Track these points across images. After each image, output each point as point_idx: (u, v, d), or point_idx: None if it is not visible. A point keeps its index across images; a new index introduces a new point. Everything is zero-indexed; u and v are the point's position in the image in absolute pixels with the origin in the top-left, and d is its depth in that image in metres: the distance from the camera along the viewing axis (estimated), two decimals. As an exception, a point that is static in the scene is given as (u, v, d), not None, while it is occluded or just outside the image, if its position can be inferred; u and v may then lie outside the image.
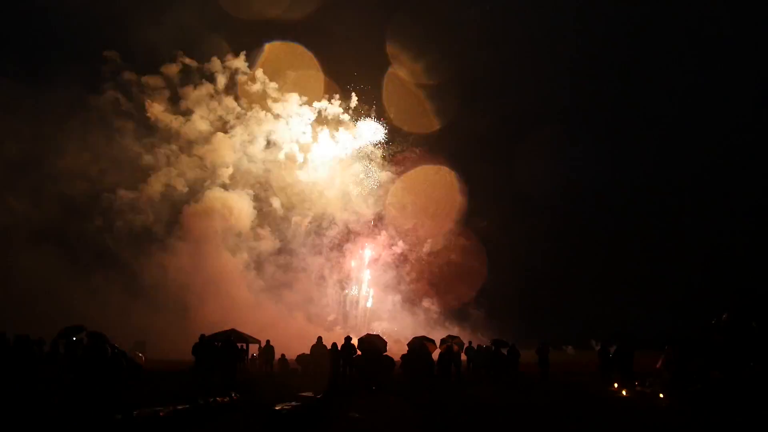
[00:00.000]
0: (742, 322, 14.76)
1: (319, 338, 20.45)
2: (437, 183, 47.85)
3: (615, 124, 56.78)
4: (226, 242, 44.98)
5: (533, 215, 49.43)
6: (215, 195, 44.72)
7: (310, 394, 10.99)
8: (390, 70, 46.80)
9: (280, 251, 46.11)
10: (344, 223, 47.27)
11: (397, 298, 46.90)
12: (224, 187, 45.06)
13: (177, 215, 44.08)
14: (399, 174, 47.65)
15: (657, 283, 48.85)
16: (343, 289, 48.06)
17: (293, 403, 9.93)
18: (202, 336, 17.40)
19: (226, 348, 16.92)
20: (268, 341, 25.18)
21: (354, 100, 46.70)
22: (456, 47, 48.35)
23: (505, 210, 46.90)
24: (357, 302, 47.83)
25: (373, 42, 46.00)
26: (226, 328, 24.69)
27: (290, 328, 36.88)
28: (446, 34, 48.50)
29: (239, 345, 22.40)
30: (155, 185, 43.30)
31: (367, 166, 47.97)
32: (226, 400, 11.48)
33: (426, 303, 46.18)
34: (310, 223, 46.92)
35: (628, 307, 45.23)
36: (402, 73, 47.08)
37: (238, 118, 45.67)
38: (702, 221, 49.99)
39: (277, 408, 9.53)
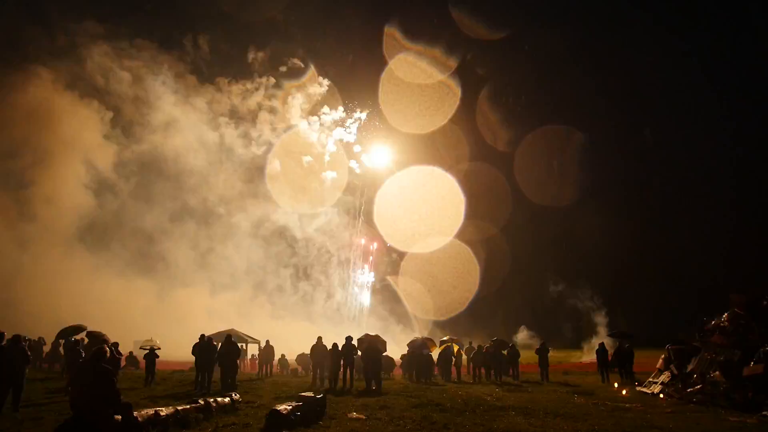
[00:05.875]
0: (742, 322, 14.78)
1: (319, 338, 20.41)
2: (434, 183, 47.47)
3: (614, 124, 56.88)
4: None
5: (531, 215, 49.48)
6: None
7: (310, 394, 10.97)
8: (387, 69, 46.69)
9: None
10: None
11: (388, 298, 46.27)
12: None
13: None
14: (392, 174, 46.82)
15: (657, 283, 48.87)
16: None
17: (293, 403, 9.92)
18: (202, 336, 17.38)
19: (226, 348, 16.89)
20: (267, 341, 25.17)
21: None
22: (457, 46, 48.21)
23: (503, 210, 46.97)
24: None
25: (370, 41, 45.94)
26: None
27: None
28: (445, 34, 48.48)
29: (239, 345, 22.39)
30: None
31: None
32: (226, 400, 11.46)
33: (422, 302, 45.68)
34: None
35: (628, 307, 45.23)
36: (400, 72, 46.90)
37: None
38: (702, 221, 50.05)
39: (277, 408, 9.53)
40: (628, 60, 57.48)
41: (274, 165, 44.75)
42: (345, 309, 46.10)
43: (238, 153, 44.42)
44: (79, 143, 38.22)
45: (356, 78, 49.89)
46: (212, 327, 24.29)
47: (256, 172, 44.70)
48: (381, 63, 45.61)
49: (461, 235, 45.85)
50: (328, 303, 45.55)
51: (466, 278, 45.15)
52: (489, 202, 47.44)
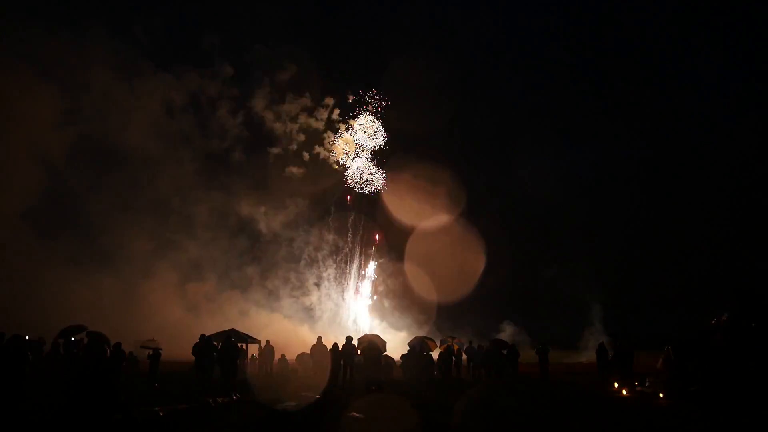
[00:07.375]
0: (742, 322, 14.75)
1: (319, 338, 20.47)
2: (435, 182, 46.68)
3: (613, 123, 56.88)
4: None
5: (530, 214, 49.43)
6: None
7: (310, 394, 10.99)
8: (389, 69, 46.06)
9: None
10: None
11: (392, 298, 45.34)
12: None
13: None
14: (395, 173, 45.67)
15: (657, 283, 48.80)
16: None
17: (293, 403, 9.93)
18: (203, 336, 17.37)
19: (226, 348, 16.88)
20: (267, 341, 25.18)
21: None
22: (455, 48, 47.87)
23: (502, 209, 46.69)
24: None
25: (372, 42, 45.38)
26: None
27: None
28: (445, 35, 48.28)
29: (239, 345, 22.36)
30: None
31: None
32: (226, 400, 11.47)
33: (421, 302, 44.79)
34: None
35: (629, 306, 45.14)
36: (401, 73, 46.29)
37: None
38: (702, 220, 49.98)
39: (277, 408, 9.55)
40: (631, 55, 57.61)
41: (237, 155, 43.51)
42: (321, 306, 44.61)
43: (197, 143, 42.95)
44: (30, 129, 36.42)
45: (326, 63, 48.74)
46: (186, 324, 23.59)
47: (217, 162, 43.29)
48: (354, 50, 44.28)
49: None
50: (301, 300, 43.99)
51: (474, 257, 42.93)
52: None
